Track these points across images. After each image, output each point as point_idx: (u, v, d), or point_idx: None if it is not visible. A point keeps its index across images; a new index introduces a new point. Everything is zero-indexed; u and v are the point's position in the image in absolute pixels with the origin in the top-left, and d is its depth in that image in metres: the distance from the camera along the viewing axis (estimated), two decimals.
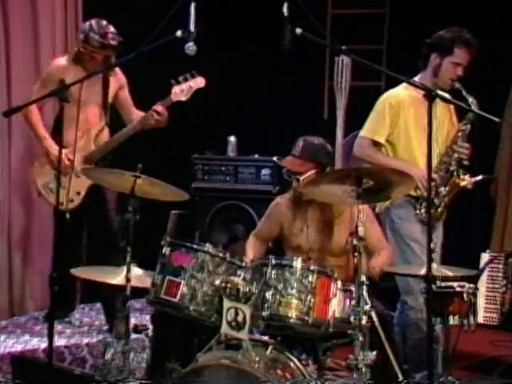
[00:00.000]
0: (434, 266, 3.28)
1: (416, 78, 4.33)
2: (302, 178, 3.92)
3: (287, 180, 4.09)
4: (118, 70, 4.75)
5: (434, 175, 4.19)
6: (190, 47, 3.41)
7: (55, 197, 4.51)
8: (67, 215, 4.57)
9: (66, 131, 4.52)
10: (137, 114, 4.77)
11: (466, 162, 4.30)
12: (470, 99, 4.15)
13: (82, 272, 3.89)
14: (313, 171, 3.92)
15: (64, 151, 4.50)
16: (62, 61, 4.69)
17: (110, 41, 4.51)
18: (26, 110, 4.38)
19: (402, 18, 6.16)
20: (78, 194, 4.60)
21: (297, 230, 4.00)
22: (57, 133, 4.60)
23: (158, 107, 4.55)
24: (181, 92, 4.51)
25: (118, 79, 4.76)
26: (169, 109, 4.58)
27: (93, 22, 4.58)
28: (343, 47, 4.30)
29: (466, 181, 4.26)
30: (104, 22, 4.58)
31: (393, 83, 4.41)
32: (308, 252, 3.91)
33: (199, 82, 4.53)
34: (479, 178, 4.29)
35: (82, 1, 5.53)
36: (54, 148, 4.58)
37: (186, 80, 4.51)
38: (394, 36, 6.31)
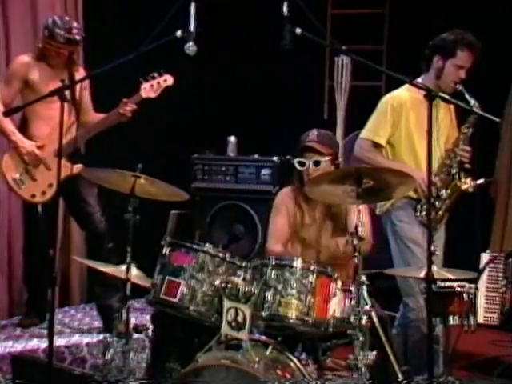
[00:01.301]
0: (435, 268, 3.28)
1: (418, 80, 4.32)
2: (323, 161, 3.88)
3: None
4: (81, 68, 4.76)
5: (435, 178, 4.19)
6: (190, 47, 3.41)
7: (26, 190, 4.58)
8: (39, 208, 4.58)
9: (34, 126, 4.62)
10: (94, 116, 4.78)
11: (467, 165, 4.29)
12: (472, 101, 4.14)
13: (83, 259, 3.90)
14: (329, 157, 3.91)
15: (34, 144, 4.58)
16: (26, 58, 4.67)
17: (75, 36, 4.53)
18: None
19: (402, 18, 6.15)
20: (50, 186, 4.58)
21: (303, 223, 3.98)
22: (23, 128, 4.65)
23: (130, 105, 4.55)
24: (150, 88, 4.53)
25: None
26: (139, 105, 4.58)
27: (56, 17, 4.60)
28: (343, 47, 4.30)
29: (468, 184, 4.25)
30: (67, 18, 4.62)
31: (393, 83, 4.41)
32: (315, 246, 3.91)
33: (168, 79, 4.56)
34: (481, 181, 4.28)
35: (82, 1, 5.53)
36: (23, 142, 4.60)
37: (154, 78, 4.53)
38: (394, 36, 6.31)
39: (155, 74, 4.53)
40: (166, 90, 4.56)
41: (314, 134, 3.95)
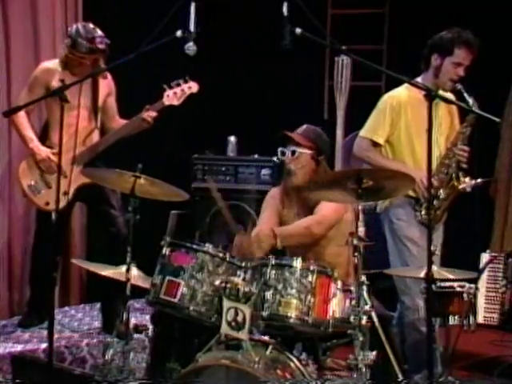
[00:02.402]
0: (435, 268, 3.28)
1: (418, 80, 4.32)
2: (298, 151, 3.94)
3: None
4: (108, 75, 4.72)
5: (433, 178, 4.18)
6: (190, 47, 3.41)
7: (41, 197, 4.58)
8: (53, 216, 4.56)
9: (53, 134, 4.59)
10: (119, 123, 4.76)
11: (464, 165, 4.30)
12: (471, 101, 4.14)
13: (82, 262, 3.88)
14: (310, 151, 3.96)
15: (49, 151, 4.56)
16: (49, 65, 4.66)
17: (97, 45, 4.47)
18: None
19: (402, 18, 6.16)
20: (65, 194, 4.56)
21: (287, 219, 4.02)
22: (44, 136, 4.64)
23: (150, 112, 4.53)
24: (173, 95, 4.49)
25: (107, 84, 4.73)
26: (160, 112, 4.55)
27: (79, 26, 4.55)
28: (343, 47, 4.30)
29: (466, 184, 4.26)
30: (91, 26, 4.55)
31: (393, 83, 4.41)
32: None
33: (192, 86, 4.53)
34: (479, 181, 4.28)
35: (82, 1, 5.53)
36: (40, 149, 4.59)
37: (178, 85, 4.50)
38: (393, 36, 6.31)
39: (180, 81, 4.49)
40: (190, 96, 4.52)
41: (301, 128, 4.04)
